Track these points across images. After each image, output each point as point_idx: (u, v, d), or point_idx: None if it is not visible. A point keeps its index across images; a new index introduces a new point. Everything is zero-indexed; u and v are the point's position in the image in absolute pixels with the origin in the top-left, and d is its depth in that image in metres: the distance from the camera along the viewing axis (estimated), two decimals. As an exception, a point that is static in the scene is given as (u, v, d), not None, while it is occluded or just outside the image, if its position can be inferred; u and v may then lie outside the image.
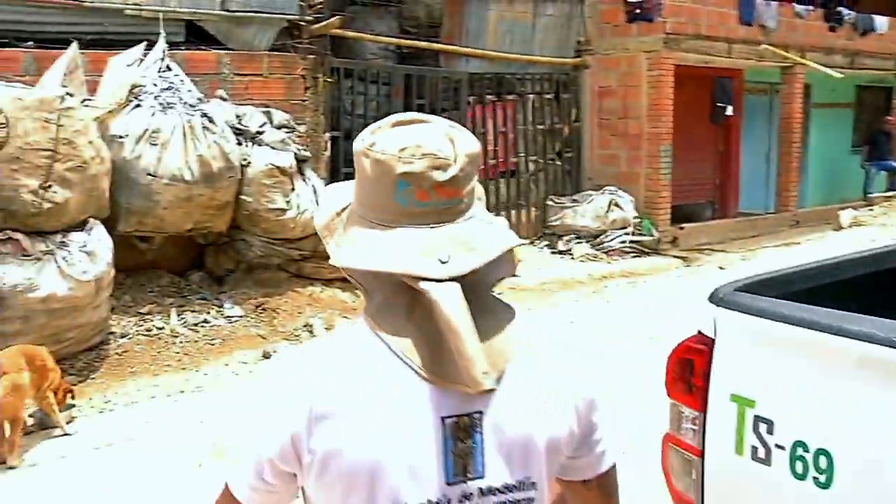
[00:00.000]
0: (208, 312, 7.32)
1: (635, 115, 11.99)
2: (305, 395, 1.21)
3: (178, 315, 7.18)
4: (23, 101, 5.93)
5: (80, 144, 6.13)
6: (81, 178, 6.16)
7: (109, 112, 6.92)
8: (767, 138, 15.43)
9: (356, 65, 9.85)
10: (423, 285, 1.19)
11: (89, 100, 6.89)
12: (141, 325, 6.94)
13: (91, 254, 6.12)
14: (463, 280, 1.21)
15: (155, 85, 7.19)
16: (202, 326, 7.10)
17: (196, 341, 6.86)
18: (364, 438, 1.18)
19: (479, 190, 1.35)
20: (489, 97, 11.29)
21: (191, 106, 7.19)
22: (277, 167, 7.57)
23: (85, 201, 6.25)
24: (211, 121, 7.20)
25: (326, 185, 8.87)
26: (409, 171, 1.22)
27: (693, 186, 13.67)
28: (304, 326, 7.33)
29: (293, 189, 7.79)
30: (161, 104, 7.07)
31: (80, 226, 6.30)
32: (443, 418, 1.20)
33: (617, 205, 11.42)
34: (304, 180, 7.98)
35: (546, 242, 11.80)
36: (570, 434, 1.30)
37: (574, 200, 11.83)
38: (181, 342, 6.80)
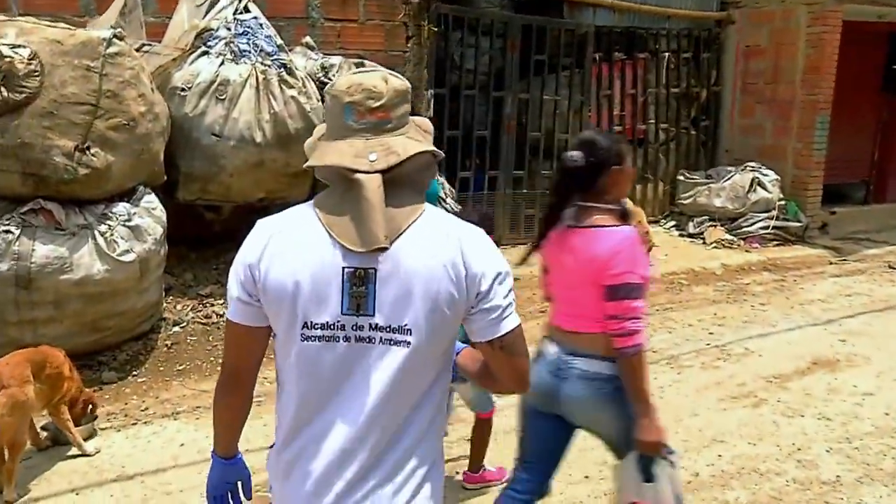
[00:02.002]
0: (279, 297, 6.28)
1: (788, 78, 10.29)
2: (259, 241, 1.72)
3: (244, 299, 6.18)
4: (61, 44, 4.93)
5: (127, 98, 5.10)
6: (128, 137, 5.14)
7: (173, 60, 5.90)
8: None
9: (467, 12, 8.56)
10: (355, 176, 1.67)
11: (148, 45, 5.88)
12: (199, 311, 5.97)
13: (136, 229, 5.12)
14: (386, 174, 1.67)
15: (228, 29, 6.12)
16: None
17: (261, 333, 5.84)
18: (289, 272, 1.67)
19: (424, 123, 1.84)
20: (617, 54, 9.82)
21: (267, 54, 6.10)
22: (366, 130, 6.43)
23: (133, 165, 5.25)
24: (290, 73, 6.09)
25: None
26: (351, 101, 1.71)
27: (845, 163, 11.81)
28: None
29: (384, 156, 6.64)
30: (232, 51, 6.00)
31: (128, 195, 5.32)
32: (344, 268, 1.67)
33: (760, 184, 9.82)
34: (397, 146, 6.82)
35: (674, 223, 10.33)
36: (451, 296, 1.68)
37: (708, 176, 10.28)
38: (243, 334, 5.78)
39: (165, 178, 5.78)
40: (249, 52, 6.04)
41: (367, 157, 1.67)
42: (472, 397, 3.89)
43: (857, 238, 10.32)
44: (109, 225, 5.03)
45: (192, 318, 5.87)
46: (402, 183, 1.72)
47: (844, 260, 9.19)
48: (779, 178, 9.99)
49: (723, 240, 9.60)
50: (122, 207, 5.15)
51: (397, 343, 1.67)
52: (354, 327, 1.66)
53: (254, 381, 1.89)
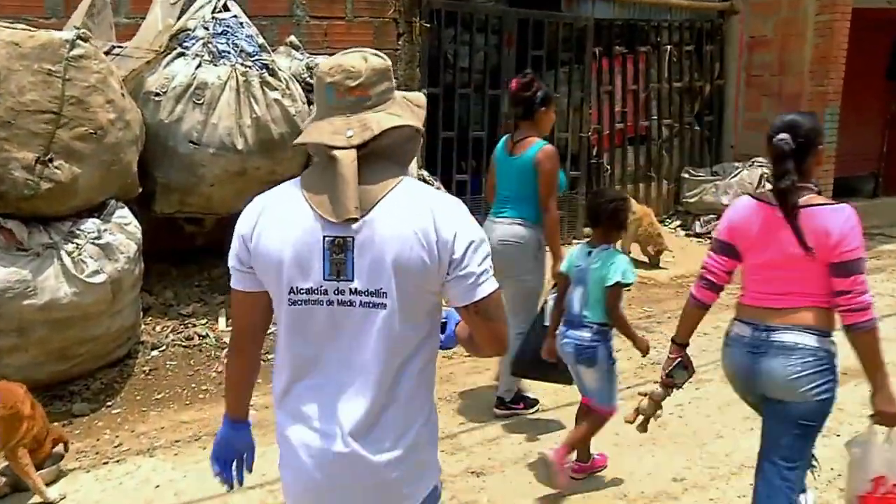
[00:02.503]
0: (266, 315, 5.87)
1: (795, 70, 9.90)
2: (250, 215, 1.89)
3: (228, 319, 5.77)
4: (19, 46, 4.51)
5: (93, 105, 4.68)
6: (96, 147, 4.72)
7: (146, 63, 5.48)
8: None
9: (461, 7, 8.15)
10: (332, 152, 1.79)
11: (119, 47, 5.46)
12: (180, 332, 5.55)
13: (107, 247, 4.70)
14: (363, 148, 1.80)
15: (206, 28, 5.71)
16: (257, 334, 5.67)
17: (247, 355, 5.43)
18: (275, 243, 1.82)
19: (417, 98, 1.95)
20: (618, 48, 9.42)
21: (248, 55, 5.68)
22: (355, 134, 6.02)
23: (102, 178, 4.83)
24: (273, 74, 5.68)
25: (423, 150, 7.40)
26: (331, 81, 1.82)
27: (854, 156, 11.41)
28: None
29: (375, 161, 6.24)
30: (210, 52, 5.58)
31: (98, 210, 4.90)
32: (324, 237, 1.80)
33: (769, 180, 9.41)
34: (389, 150, 6.41)
35: (679, 222, 9.94)
36: (423, 262, 1.77)
37: (714, 173, 9.88)
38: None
39: (140, 190, 5.37)
40: (229, 52, 5.63)
41: (345, 133, 1.79)
42: (598, 391, 3.86)
43: (871, 233, 9.90)
44: (77, 244, 4.61)
45: (173, 340, 5.45)
46: (382, 155, 1.85)
47: (859, 257, 8.78)
48: (788, 173, 9.60)
49: (732, 239, 9.19)
50: (91, 224, 4.73)
51: (375, 306, 1.79)
52: (336, 291, 1.80)
53: (257, 345, 2.05)
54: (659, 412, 3.33)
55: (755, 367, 2.86)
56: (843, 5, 9.51)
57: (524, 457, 4.24)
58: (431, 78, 7.86)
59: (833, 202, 2.79)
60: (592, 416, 3.89)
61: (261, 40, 5.86)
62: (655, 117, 9.87)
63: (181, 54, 5.53)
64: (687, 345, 3.22)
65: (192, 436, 4.46)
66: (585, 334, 3.74)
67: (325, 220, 1.79)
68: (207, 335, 5.54)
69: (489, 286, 1.84)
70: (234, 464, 2.13)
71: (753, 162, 9.63)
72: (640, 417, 3.33)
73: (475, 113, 8.44)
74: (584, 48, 8.96)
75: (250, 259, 1.86)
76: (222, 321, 5.71)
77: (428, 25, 7.55)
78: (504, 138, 4.70)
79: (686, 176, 9.93)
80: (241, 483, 2.15)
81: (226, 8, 5.92)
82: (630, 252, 8.23)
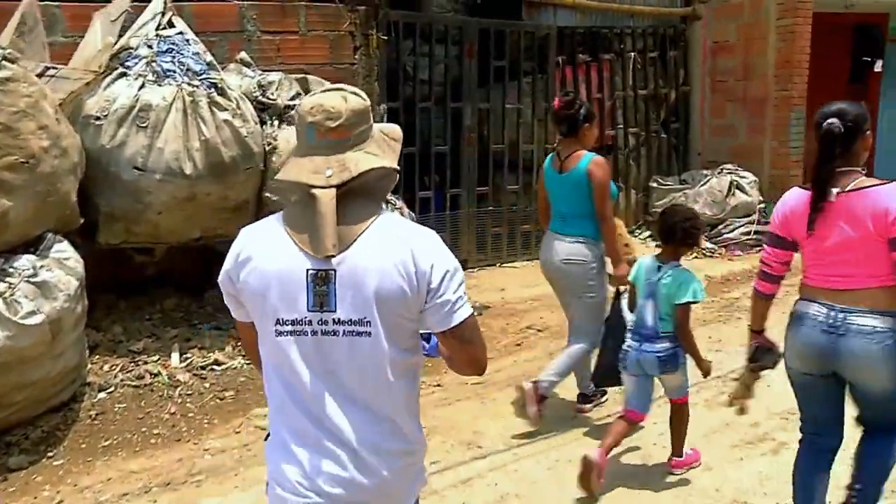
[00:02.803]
0: (222, 349, 5.52)
1: (759, 74, 9.78)
2: (235, 250, 1.97)
3: (182, 354, 5.42)
4: (-60, 70, 4.15)
5: (23, 131, 4.32)
6: (28, 178, 4.36)
7: (85, 84, 5.13)
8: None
9: (418, 18, 7.89)
10: (312, 190, 1.87)
11: (53, 68, 5.10)
12: (130, 371, 5.18)
13: (44, 285, 4.34)
14: (341, 187, 1.88)
15: (149, 46, 5.35)
16: (212, 371, 5.32)
17: (201, 393, 5.08)
18: (260, 277, 1.91)
19: (393, 132, 2.05)
20: (581, 56, 9.21)
21: (195, 73, 5.34)
22: (311, 154, 5.71)
23: (37, 210, 4.47)
24: (222, 93, 5.35)
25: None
26: (313, 121, 1.91)
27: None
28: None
29: (334, 182, 5.93)
30: (155, 72, 5.24)
31: (34, 244, 4.54)
32: (308, 270, 1.89)
33: (739, 187, 9.26)
34: (348, 169, 6.11)
35: (649, 233, 9.74)
36: (403, 292, 1.88)
37: (683, 181, 9.71)
38: (181, 396, 5.02)
39: (82, 220, 5.01)
40: (174, 71, 5.28)
41: (324, 172, 1.87)
42: (679, 388, 4.04)
43: (841, 238, 9.77)
44: (10, 283, 4.23)
45: (122, 380, 5.08)
46: (360, 192, 1.93)
47: (833, 264, 8.63)
48: (756, 179, 9.46)
49: (703, 249, 9.01)
50: (25, 261, 4.36)
51: (359, 334, 1.88)
52: (320, 322, 1.88)
53: None
54: (750, 397, 3.52)
55: (834, 347, 2.99)
56: (804, 9, 9.42)
57: (501, 499, 3.95)
58: (390, 92, 7.58)
59: (884, 181, 2.92)
60: (676, 410, 4.11)
61: (209, 58, 5.53)
62: (621, 126, 9.68)
63: (123, 74, 5.18)
64: (763, 330, 3.39)
65: (141, 487, 4.11)
66: (666, 345, 3.90)
67: (308, 254, 1.88)
68: (160, 373, 5.19)
69: (464, 312, 1.95)
70: None
71: (722, 169, 9.48)
72: (736, 403, 3.57)
73: (437, 127, 8.16)
74: (546, 57, 8.73)
75: (237, 292, 1.97)
76: (175, 357, 5.36)
77: (385, 38, 7.26)
78: (550, 156, 4.85)
79: (654, 185, 9.74)
80: None
81: (171, 24, 5.57)
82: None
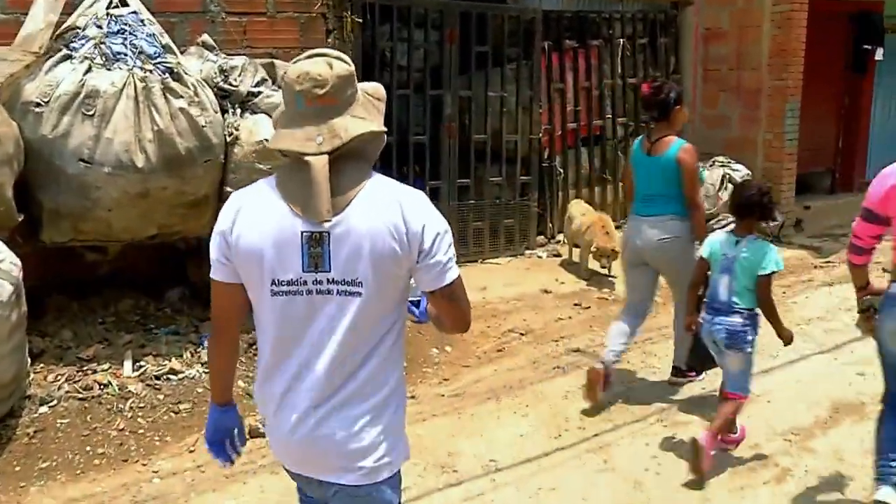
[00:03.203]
0: (179, 356, 5.10)
1: (753, 64, 9.40)
2: (230, 211, 2.05)
3: (136, 362, 4.99)
4: None
5: (-52, 121, 3.88)
6: (-45, 173, 3.93)
7: (25, 67, 4.68)
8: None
9: (397, 0, 7.44)
10: (305, 157, 1.95)
11: (-12, 50, 4.65)
12: (77, 381, 4.75)
13: (-27, 292, 3.91)
14: (332, 153, 1.95)
15: (98, 27, 4.90)
16: (167, 381, 4.90)
17: (154, 406, 4.65)
18: (256, 239, 1.99)
19: (377, 91, 2.10)
20: (568, 42, 8.78)
21: (149, 57, 4.89)
22: (277, 146, 5.28)
23: (-35, 208, 4.03)
24: (178, 79, 4.90)
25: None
26: (300, 89, 1.97)
27: (811, 151, 10.97)
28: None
29: (302, 175, 5.51)
30: (103, 55, 4.79)
31: (-37, 245, 4.10)
32: (302, 232, 1.97)
33: (731, 181, 8.87)
34: (318, 162, 5.68)
35: (637, 227, 9.35)
36: (395, 252, 1.97)
37: (673, 173, 9.31)
38: (132, 409, 4.59)
39: (21, 217, 4.57)
40: (125, 55, 4.83)
41: (315, 140, 1.96)
42: (739, 375, 4.10)
43: (835, 234, 9.43)
44: (-68, 290, 3.80)
45: (67, 392, 4.64)
46: (351, 156, 2.02)
47: (829, 262, 8.29)
48: (749, 172, 9.09)
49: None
50: (-50, 265, 3.93)
51: (351, 294, 1.99)
52: (314, 282, 1.99)
53: (236, 330, 2.24)
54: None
55: None
56: (800, -5, 9.04)
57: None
58: (366, 78, 7.05)
59: None
60: (730, 401, 4.10)
61: (165, 40, 5.08)
62: (610, 116, 9.27)
63: (67, 57, 4.73)
64: (867, 284, 3.51)
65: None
66: (737, 320, 3.97)
67: (302, 219, 1.96)
68: (109, 383, 4.75)
69: (454, 272, 2.05)
70: (228, 443, 2.32)
71: (714, 162, 9.11)
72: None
73: (416, 115, 7.73)
74: (532, 43, 8.29)
75: (231, 254, 2.03)
76: (128, 365, 4.93)
77: (360, 21, 6.81)
78: (639, 139, 5.03)
79: (643, 177, 9.34)
80: (236, 458, 2.35)
81: (124, 3, 5.12)
82: (588, 263, 7.64)
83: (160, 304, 5.70)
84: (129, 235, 5.07)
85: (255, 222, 1.99)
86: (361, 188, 1.98)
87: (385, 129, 2.07)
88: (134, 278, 5.82)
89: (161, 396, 4.74)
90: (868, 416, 4.47)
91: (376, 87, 2.11)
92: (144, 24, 5.09)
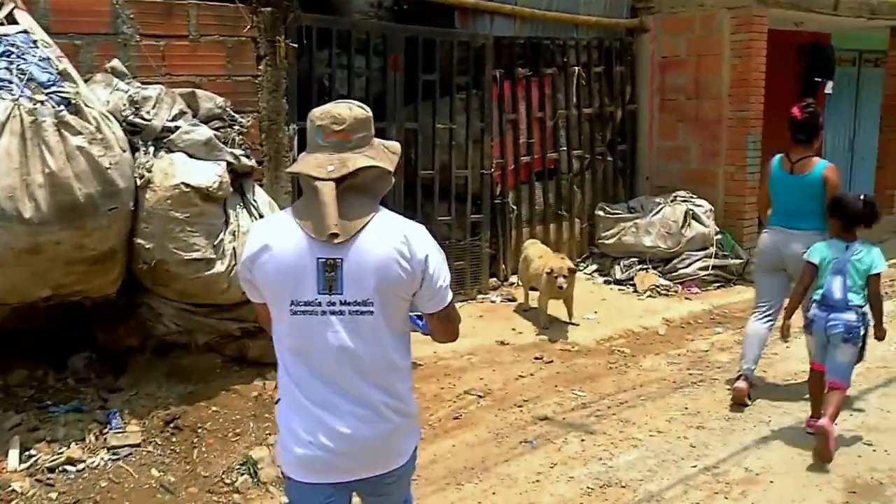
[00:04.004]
0: (80, 441, 4.28)
1: (712, 94, 8.95)
2: (253, 244, 2.31)
3: (25, 450, 4.15)
4: None
5: None
6: None
7: None
8: (851, 122, 12.49)
9: (336, 24, 6.75)
10: (315, 182, 2.24)
11: None
12: (-50, 480, 3.91)
13: None
14: (342, 182, 2.24)
15: (-20, 50, 4.12)
16: (63, 473, 4.07)
17: (45, 508, 3.83)
18: (276, 266, 2.26)
19: (392, 146, 2.42)
20: (521, 70, 8.20)
21: (41, 85, 4.12)
22: (194, 188, 4.50)
23: None
24: (76, 112, 4.14)
25: (293, 202, 5.76)
26: (321, 124, 2.29)
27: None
28: (243, 465, 4.30)
29: (226, 222, 4.75)
30: (-16, 83, 4.00)
31: None
32: (318, 258, 2.24)
33: (695, 217, 8.38)
34: (245, 205, 4.93)
35: (596, 266, 8.81)
36: (401, 277, 2.25)
37: (631, 209, 8.79)
38: (17, 513, 3.77)
39: None
40: (10, 82, 4.05)
41: (326, 167, 2.24)
42: (846, 366, 4.50)
43: (798, 270, 8.97)
44: None
45: (-66, 494, 3.80)
46: (359, 190, 2.29)
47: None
48: (712, 208, 8.60)
49: (657, 286, 8.10)
50: None
51: (362, 313, 2.26)
52: (329, 303, 2.25)
53: None
54: None
55: None
56: (759, 24, 8.67)
57: None
58: (302, 109, 6.32)
59: None
60: (837, 390, 4.49)
61: (63, 65, 4.32)
62: (564, 148, 8.71)
63: (-61, 86, 3.93)
64: None
65: None
66: (852, 316, 4.45)
67: (318, 244, 2.23)
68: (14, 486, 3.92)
69: (449, 296, 2.39)
70: None
71: (675, 197, 8.59)
72: None
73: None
74: (482, 71, 7.69)
75: (254, 280, 2.32)
76: (13, 455, 4.09)
77: (296, 45, 6.10)
78: (778, 158, 5.33)
79: (601, 213, 8.80)
80: None
81: (12, 20, 4.36)
82: (547, 308, 7.00)
83: (61, 374, 4.87)
84: (18, 298, 4.27)
85: (274, 250, 2.26)
86: (371, 219, 2.26)
87: (390, 170, 2.34)
88: (29, 342, 4.97)
89: (54, 495, 3.92)
90: (888, 499, 3.88)
91: (393, 144, 2.44)
92: (37, 47, 4.34)
